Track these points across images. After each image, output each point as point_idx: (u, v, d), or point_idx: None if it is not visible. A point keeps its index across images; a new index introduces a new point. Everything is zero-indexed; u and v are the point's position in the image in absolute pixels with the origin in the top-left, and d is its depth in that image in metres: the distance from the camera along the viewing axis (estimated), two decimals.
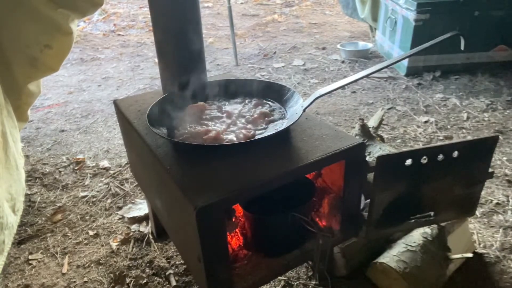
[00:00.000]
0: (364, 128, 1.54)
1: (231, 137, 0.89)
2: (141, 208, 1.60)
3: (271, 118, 0.98)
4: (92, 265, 1.35)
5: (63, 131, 2.35)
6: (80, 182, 1.82)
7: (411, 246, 1.12)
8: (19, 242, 1.47)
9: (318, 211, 1.05)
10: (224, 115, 1.00)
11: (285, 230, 0.94)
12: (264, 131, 0.93)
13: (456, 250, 1.17)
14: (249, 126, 0.94)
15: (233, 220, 1.01)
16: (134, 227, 1.52)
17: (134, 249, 1.41)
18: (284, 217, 0.90)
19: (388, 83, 2.75)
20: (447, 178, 0.94)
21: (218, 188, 0.75)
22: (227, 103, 1.09)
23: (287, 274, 1.24)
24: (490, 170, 0.97)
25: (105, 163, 1.96)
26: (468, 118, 2.20)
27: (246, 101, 1.07)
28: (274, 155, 0.85)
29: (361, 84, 2.76)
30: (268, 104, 1.06)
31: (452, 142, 0.92)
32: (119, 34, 4.47)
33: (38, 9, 1.19)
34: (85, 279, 1.30)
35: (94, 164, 1.96)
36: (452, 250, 1.14)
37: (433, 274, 1.10)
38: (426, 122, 2.19)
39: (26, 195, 1.69)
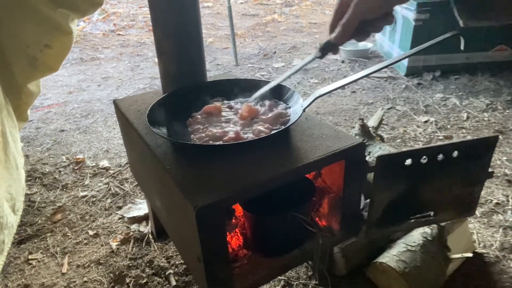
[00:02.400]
0: (364, 128, 1.54)
1: (250, 135, 0.89)
2: (141, 208, 1.60)
3: (286, 118, 0.97)
4: (92, 265, 1.35)
5: (63, 131, 2.35)
6: (80, 182, 1.82)
7: (411, 246, 1.12)
8: (19, 242, 1.47)
9: (318, 211, 1.05)
10: (237, 116, 0.99)
11: (285, 230, 0.94)
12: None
13: (456, 250, 1.17)
14: (266, 125, 0.93)
15: (233, 220, 1.01)
16: (134, 227, 1.52)
17: (134, 249, 1.41)
18: (284, 217, 0.90)
19: (388, 83, 2.75)
20: (447, 178, 0.94)
21: (218, 188, 0.75)
22: (232, 102, 1.08)
23: (287, 274, 1.24)
24: (490, 170, 0.97)
25: (105, 163, 1.96)
26: (468, 118, 2.20)
27: (260, 102, 1.05)
28: (274, 155, 0.84)
29: (361, 84, 2.76)
30: (282, 104, 1.04)
31: (452, 142, 0.92)
32: (119, 34, 4.47)
33: (38, 9, 1.19)
34: (85, 279, 1.30)
35: (94, 164, 1.96)
36: (452, 250, 1.14)
37: (433, 274, 1.10)
38: (426, 122, 2.19)
39: (26, 195, 1.69)
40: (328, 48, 0.76)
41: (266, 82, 1.11)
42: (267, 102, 1.03)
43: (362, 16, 0.68)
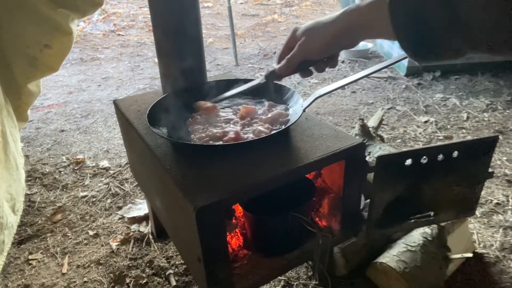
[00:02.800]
0: (364, 128, 1.54)
1: (251, 136, 0.89)
2: (141, 208, 1.60)
3: (286, 118, 0.96)
4: (92, 265, 1.35)
5: (63, 131, 2.35)
6: (80, 182, 1.82)
7: (411, 246, 1.12)
8: (19, 242, 1.47)
9: (318, 211, 1.05)
10: (237, 116, 0.99)
11: (285, 230, 0.94)
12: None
13: (456, 250, 1.17)
14: (266, 125, 0.93)
15: (233, 220, 1.01)
16: (134, 227, 1.52)
17: (134, 249, 1.41)
18: (284, 217, 0.90)
19: (388, 83, 2.75)
20: (447, 178, 0.94)
21: (218, 188, 0.75)
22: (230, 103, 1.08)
23: (287, 274, 1.24)
24: (490, 170, 0.97)
25: (105, 163, 1.96)
26: (468, 118, 2.20)
27: (258, 102, 1.06)
28: (274, 155, 0.84)
29: (361, 84, 2.76)
30: (283, 105, 1.04)
31: (452, 142, 0.92)
32: (119, 34, 4.48)
33: (38, 9, 1.19)
34: (85, 279, 1.30)
35: (94, 164, 1.96)
36: (452, 250, 1.14)
37: (433, 274, 1.10)
38: (426, 122, 2.19)
39: (26, 195, 1.69)
40: (272, 77, 0.81)
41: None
42: (266, 103, 1.04)
43: (304, 56, 0.72)
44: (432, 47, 0.51)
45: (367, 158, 0.90)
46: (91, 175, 1.87)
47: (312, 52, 0.70)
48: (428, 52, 0.52)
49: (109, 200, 1.68)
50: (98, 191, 1.75)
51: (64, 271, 1.34)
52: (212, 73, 3.16)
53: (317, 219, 1.04)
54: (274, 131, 0.89)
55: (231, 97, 1.00)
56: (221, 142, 0.87)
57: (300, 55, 0.72)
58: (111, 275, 1.30)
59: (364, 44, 3.36)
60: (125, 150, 1.67)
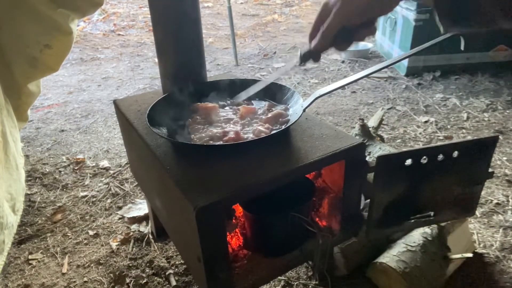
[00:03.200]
0: (364, 128, 1.54)
1: (251, 136, 0.89)
2: (141, 208, 1.60)
3: (286, 118, 0.96)
4: (92, 265, 1.35)
5: (63, 131, 2.35)
6: (80, 182, 1.82)
7: (411, 246, 1.12)
8: (19, 242, 1.47)
9: (318, 211, 1.05)
10: (237, 115, 0.99)
11: (285, 230, 0.94)
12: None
13: (456, 250, 1.17)
14: (266, 125, 0.93)
15: (233, 220, 1.01)
16: (134, 227, 1.52)
17: (134, 249, 1.41)
18: (284, 217, 0.90)
19: (388, 83, 2.75)
20: (447, 178, 0.94)
21: (218, 188, 0.75)
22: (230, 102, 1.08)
23: (287, 274, 1.24)
24: (490, 170, 0.97)
25: (105, 163, 1.96)
26: (468, 118, 2.20)
27: (258, 103, 1.06)
28: (274, 155, 0.85)
29: (361, 84, 2.76)
30: (283, 105, 1.04)
31: (452, 142, 0.92)
32: (119, 34, 4.48)
33: (38, 9, 1.19)
34: (85, 279, 1.30)
35: (94, 164, 1.96)
36: (452, 250, 1.14)
37: (433, 274, 1.10)
38: (426, 122, 2.19)
39: (26, 195, 1.69)
40: (308, 56, 0.75)
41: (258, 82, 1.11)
42: (266, 103, 1.04)
43: (342, 22, 0.65)
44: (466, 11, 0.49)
45: (367, 158, 0.90)
46: (91, 175, 1.87)
47: (350, 16, 0.63)
48: (462, 12, 0.50)
49: (109, 200, 1.68)
50: (98, 191, 1.75)
51: (64, 271, 1.34)
52: (212, 73, 3.16)
53: (317, 219, 1.04)
54: (274, 131, 0.89)
55: (264, 86, 0.97)
56: (221, 142, 0.87)
57: (337, 22, 0.65)
58: (111, 275, 1.30)
59: (364, 44, 3.36)
60: (125, 150, 1.67)
